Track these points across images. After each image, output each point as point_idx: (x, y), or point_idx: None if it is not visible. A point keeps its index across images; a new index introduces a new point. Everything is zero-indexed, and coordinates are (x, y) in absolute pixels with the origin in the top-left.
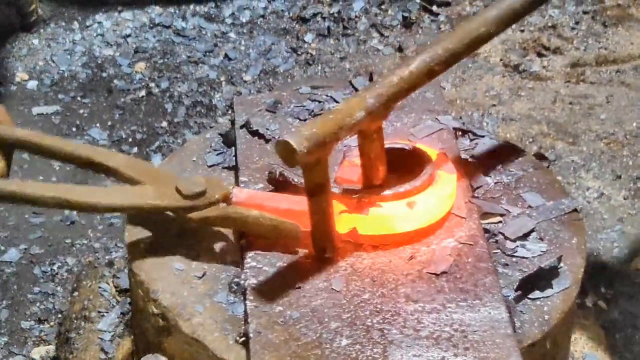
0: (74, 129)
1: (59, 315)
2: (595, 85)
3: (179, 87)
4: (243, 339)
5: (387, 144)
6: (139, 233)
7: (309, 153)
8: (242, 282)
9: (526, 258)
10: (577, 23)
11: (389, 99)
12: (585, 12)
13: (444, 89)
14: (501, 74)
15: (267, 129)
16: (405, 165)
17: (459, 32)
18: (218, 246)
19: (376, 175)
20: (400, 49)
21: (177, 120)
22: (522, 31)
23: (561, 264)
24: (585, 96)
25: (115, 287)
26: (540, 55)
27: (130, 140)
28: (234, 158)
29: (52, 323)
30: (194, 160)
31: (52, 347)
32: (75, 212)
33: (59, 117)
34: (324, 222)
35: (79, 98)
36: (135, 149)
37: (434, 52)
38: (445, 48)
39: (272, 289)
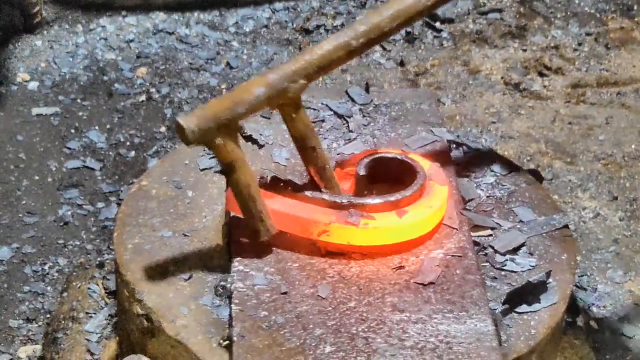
0: (72, 131)
1: (48, 315)
2: (595, 107)
3: (180, 93)
4: (227, 342)
5: (380, 153)
6: (128, 233)
7: (201, 131)
8: (229, 285)
9: (515, 272)
10: (579, 44)
11: (294, 73)
12: (588, 34)
13: (444, 104)
14: (502, 92)
15: (261, 134)
16: (397, 175)
17: (385, 7)
18: (206, 249)
19: (313, 164)
20: (402, 64)
21: None
22: (525, 50)
23: (550, 279)
24: (585, 117)
25: (104, 288)
26: (541, 74)
27: (128, 144)
28: None
29: (40, 323)
30: (186, 164)
31: (39, 347)
32: (69, 213)
33: (58, 119)
34: (246, 201)
35: (79, 100)
36: (132, 153)
37: (352, 29)
38: (367, 23)
39: (258, 294)
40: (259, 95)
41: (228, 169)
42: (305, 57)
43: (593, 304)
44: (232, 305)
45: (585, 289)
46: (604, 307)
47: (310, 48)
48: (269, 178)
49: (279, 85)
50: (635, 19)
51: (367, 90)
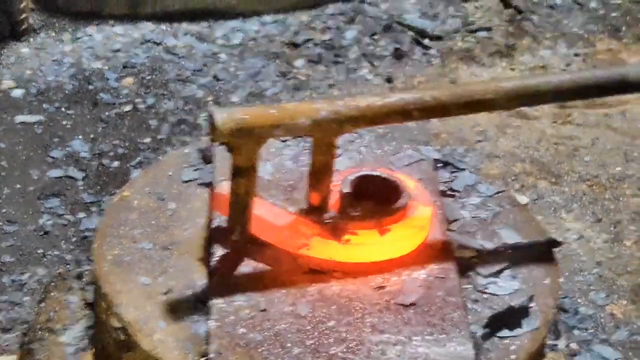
0: (55, 140)
1: (24, 325)
2: (581, 127)
3: (165, 104)
4: (203, 359)
5: (364, 170)
6: (107, 244)
7: (231, 135)
8: (207, 300)
9: (497, 295)
10: (567, 65)
11: (344, 119)
12: (576, 55)
13: (430, 122)
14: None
15: None
16: (382, 193)
17: (460, 87)
18: (186, 262)
19: (317, 191)
20: (389, 80)
21: (161, 137)
22: (513, 69)
23: (532, 304)
24: (571, 137)
25: (83, 300)
26: None
27: (111, 154)
28: (210, 174)
29: (16, 333)
30: (169, 175)
31: (14, 357)
32: (49, 222)
33: (41, 127)
34: (240, 204)
35: (63, 109)
36: (116, 163)
37: (419, 96)
38: (434, 96)
39: (236, 310)
40: (302, 127)
41: (238, 172)
42: (360, 104)
43: (575, 327)
44: (210, 321)
45: (567, 311)
46: (585, 329)
47: (374, 97)
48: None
49: (325, 124)
50: (624, 41)
51: None
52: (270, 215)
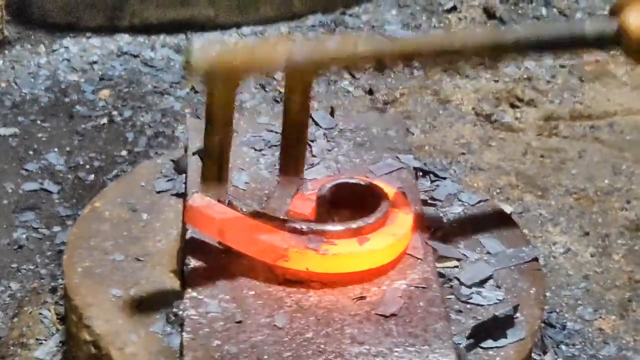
0: (30, 152)
1: None
2: (568, 140)
3: (142, 116)
4: None
5: (343, 178)
6: (78, 256)
7: (209, 64)
8: (181, 312)
9: (481, 305)
10: (553, 76)
11: (318, 61)
12: (562, 66)
13: (413, 134)
14: (472, 123)
15: None
16: (361, 201)
17: (433, 37)
18: (159, 274)
19: (292, 147)
20: (370, 92)
21: (138, 150)
22: (497, 81)
23: (517, 314)
24: (557, 150)
25: (56, 314)
26: (513, 106)
27: (87, 167)
28: (183, 185)
29: None
30: (142, 185)
31: None
32: (24, 236)
33: (16, 140)
34: (215, 156)
35: (39, 122)
36: (92, 176)
37: (392, 43)
38: (406, 43)
39: (211, 322)
40: (276, 66)
41: (212, 118)
42: (333, 45)
43: (562, 342)
44: (184, 334)
45: (554, 326)
46: (573, 345)
47: (342, 39)
48: (227, 202)
49: (300, 65)
50: (611, 53)
51: (332, 114)
52: (245, 228)
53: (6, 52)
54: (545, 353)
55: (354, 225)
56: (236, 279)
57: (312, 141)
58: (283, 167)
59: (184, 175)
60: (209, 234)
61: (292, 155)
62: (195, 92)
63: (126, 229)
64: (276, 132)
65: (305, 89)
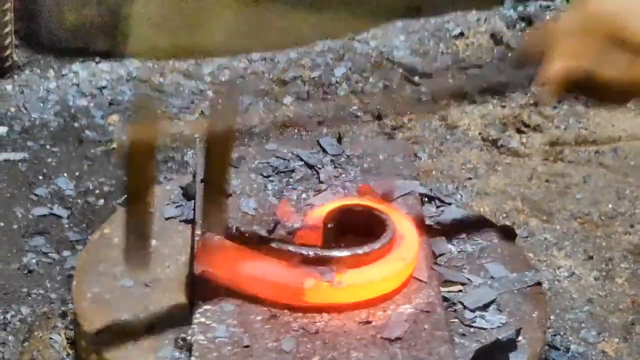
0: (40, 177)
1: None
2: (573, 165)
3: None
4: None
5: (350, 203)
6: (87, 282)
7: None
8: (189, 337)
9: (484, 329)
10: (559, 102)
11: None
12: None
13: (420, 159)
14: (479, 148)
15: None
16: (366, 226)
17: None
18: (167, 300)
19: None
20: (379, 117)
21: None
22: (504, 107)
23: (520, 337)
24: (562, 175)
25: (67, 338)
26: (519, 131)
27: (97, 192)
28: (192, 211)
29: None
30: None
31: None
32: (34, 260)
33: (26, 165)
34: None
35: (48, 146)
36: (101, 201)
37: None
38: None
39: (219, 347)
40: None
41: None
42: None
43: None
44: (192, 358)
45: (558, 349)
46: None
47: None
48: (235, 228)
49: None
50: None
51: (339, 141)
52: (258, 271)
53: (15, 76)
54: None
55: (360, 251)
56: (243, 304)
57: (320, 168)
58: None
59: (192, 201)
60: (220, 274)
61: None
62: (205, 117)
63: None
64: (284, 159)
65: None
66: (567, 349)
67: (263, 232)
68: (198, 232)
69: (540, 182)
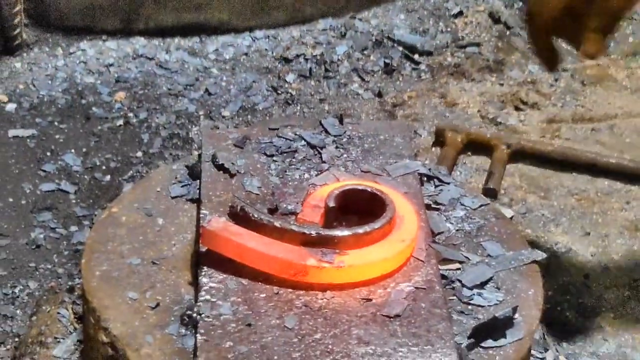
0: (48, 154)
1: (16, 339)
2: (570, 142)
3: (157, 118)
4: None
5: (350, 184)
6: (95, 260)
7: None
8: (195, 315)
9: (482, 306)
10: (556, 80)
11: None
12: (564, 70)
13: (420, 136)
14: (478, 125)
15: (233, 163)
16: (367, 207)
17: None
18: (174, 277)
19: None
20: (379, 95)
21: (153, 151)
22: (502, 84)
23: (516, 315)
24: None
25: (74, 313)
26: (517, 109)
27: (104, 168)
28: (198, 190)
29: (8, 346)
30: (157, 191)
31: None
32: (41, 236)
33: (34, 141)
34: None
35: (56, 123)
36: (108, 177)
37: None
38: None
39: (223, 324)
40: None
41: None
42: None
43: (563, 340)
44: (198, 335)
45: (555, 325)
46: (574, 342)
47: None
48: (239, 207)
49: None
50: (612, 57)
51: (341, 121)
52: (262, 246)
53: (24, 54)
54: (546, 350)
55: (361, 231)
56: (248, 282)
57: (322, 148)
58: None
59: (197, 181)
60: (226, 254)
61: None
62: (209, 94)
63: (142, 233)
64: (287, 139)
65: None
66: (564, 325)
67: (266, 212)
68: (204, 211)
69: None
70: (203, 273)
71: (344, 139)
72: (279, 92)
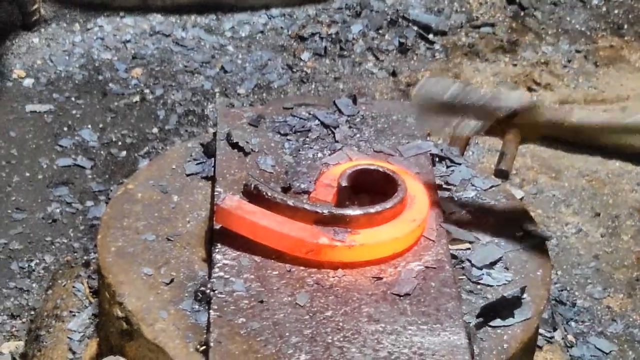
0: (65, 129)
1: (32, 312)
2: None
3: (173, 95)
4: (204, 347)
5: (362, 164)
6: (111, 236)
7: None
8: (208, 291)
9: (491, 286)
10: (569, 61)
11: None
12: (578, 51)
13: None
14: None
15: (248, 142)
16: (379, 186)
17: None
18: (188, 254)
19: None
20: (394, 74)
21: (168, 128)
22: (515, 65)
23: (525, 295)
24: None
25: (89, 287)
26: (530, 89)
27: (120, 143)
28: (212, 168)
29: (24, 319)
30: (173, 168)
31: (21, 343)
32: (58, 210)
33: (51, 116)
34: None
35: (73, 99)
36: (124, 153)
37: None
38: None
39: (236, 300)
40: None
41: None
42: None
43: (572, 319)
44: (211, 311)
45: (564, 304)
46: (582, 322)
47: None
48: (253, 186)
49: None
50: (625, 38)
51: (354, 101)
52: (274, 224)
53: (42, 30)
54: (555, 329)
55: (372, 210)
56: (260, 259)
57: (335, 127)
58: None
59: (212, 159)
60: (240, 232)
61: None
62: (225, 72)
63: (157, 210)
64: (301, 118)
65: None
66: (573, 304)
67: (279, 190)
68: (218, 189)
69: (549, 140)
70: (217, 250)
71: (357, 119)
72: (294, 70)
